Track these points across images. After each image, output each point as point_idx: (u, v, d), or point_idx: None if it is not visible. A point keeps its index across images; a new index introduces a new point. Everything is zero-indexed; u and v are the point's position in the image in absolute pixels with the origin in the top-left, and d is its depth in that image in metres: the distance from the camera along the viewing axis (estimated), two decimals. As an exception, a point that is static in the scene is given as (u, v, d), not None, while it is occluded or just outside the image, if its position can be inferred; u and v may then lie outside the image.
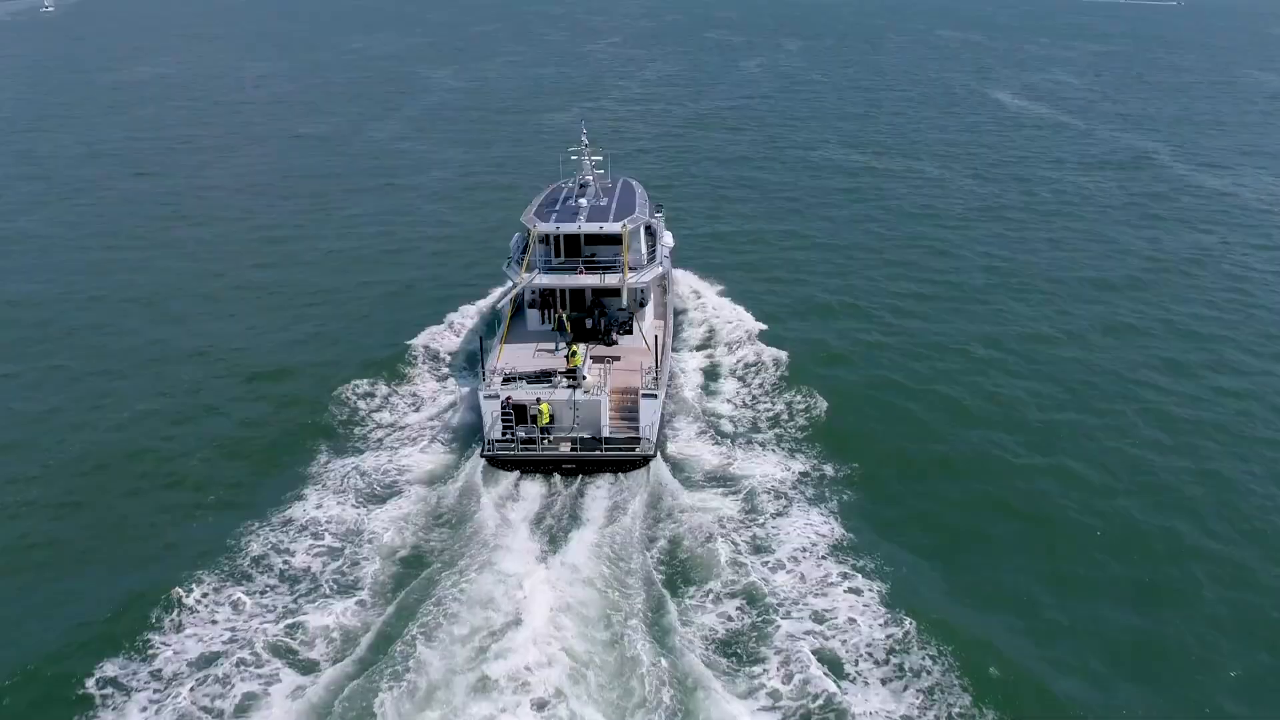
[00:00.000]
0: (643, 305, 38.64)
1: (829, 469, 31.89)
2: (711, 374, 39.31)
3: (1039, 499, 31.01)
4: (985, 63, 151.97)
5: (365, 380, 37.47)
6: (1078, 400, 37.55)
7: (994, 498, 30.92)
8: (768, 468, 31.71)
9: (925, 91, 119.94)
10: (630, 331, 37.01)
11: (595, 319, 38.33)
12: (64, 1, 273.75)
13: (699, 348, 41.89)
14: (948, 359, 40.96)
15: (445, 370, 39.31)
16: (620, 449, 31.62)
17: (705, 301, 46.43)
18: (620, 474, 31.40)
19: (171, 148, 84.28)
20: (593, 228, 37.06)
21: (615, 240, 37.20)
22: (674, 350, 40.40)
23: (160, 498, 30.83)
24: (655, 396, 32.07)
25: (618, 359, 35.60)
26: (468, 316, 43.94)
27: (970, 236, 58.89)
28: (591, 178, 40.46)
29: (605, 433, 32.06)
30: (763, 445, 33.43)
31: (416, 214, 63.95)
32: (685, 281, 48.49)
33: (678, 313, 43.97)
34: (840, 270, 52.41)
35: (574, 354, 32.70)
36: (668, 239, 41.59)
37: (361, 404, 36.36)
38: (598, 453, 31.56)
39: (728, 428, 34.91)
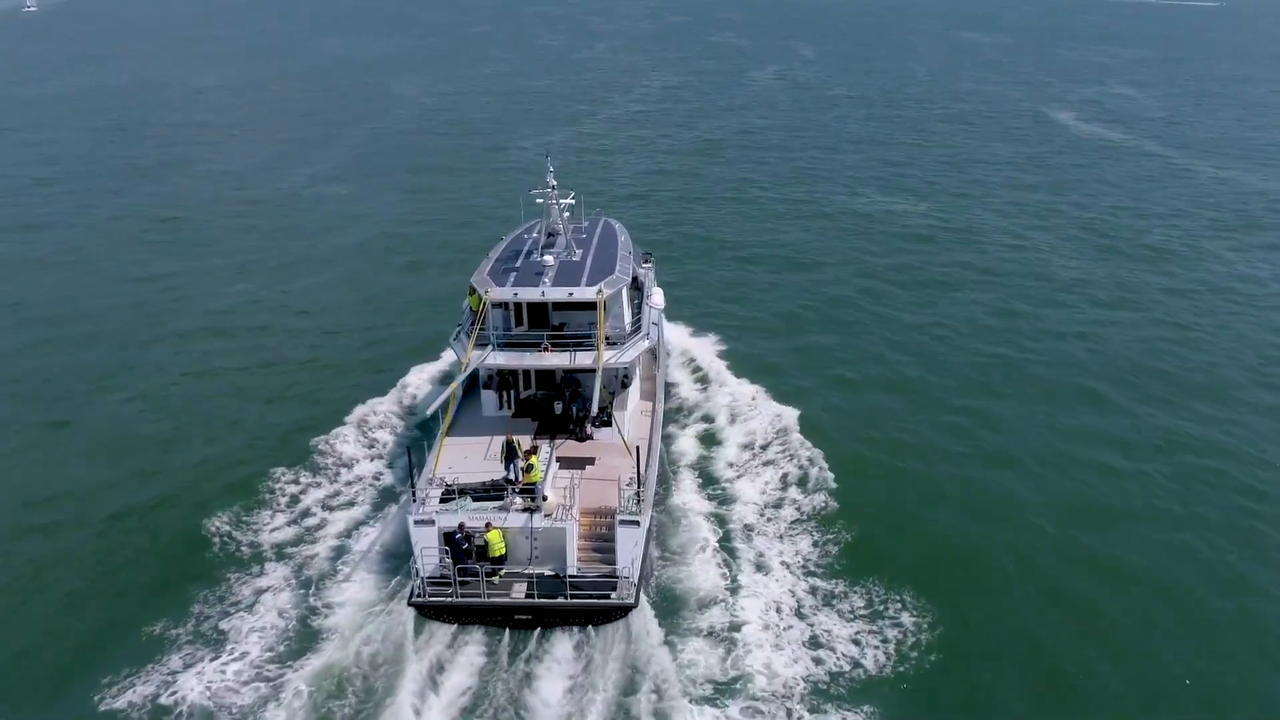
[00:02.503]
0: (625, 386, 32.22)
1: (865, 599, 26.00)
2: (709, 460, 33.09)
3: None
4: (1024, 71, 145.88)
5: (270, 481, 31.21)
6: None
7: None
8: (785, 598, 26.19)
9: (969, 109, 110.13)
10: (609, 422, 30.50)
11: (565, 402, 31.92)
12: (48, 1, 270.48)
13: (696, 418, 35.76)
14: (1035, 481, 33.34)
15: (380, 463, 32.77)
16: (591, 593, 25.14)
17: (701, 363, 40.27)
18: (591, 627, 24.86)
19: (25, 187, 74.91)
20: (560, 294, 30.75)
21: (590, 307, 30.77)
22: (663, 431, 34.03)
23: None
24: (638, 524, 25.55)
25: (591, 462, 29.17)
26: (413, 390, 37.65)
27: (1082, 318, 47.69)
28: (561, 226, 33.96)
29: (572, 570, 25.60)
30: (780, 568, 27.50)
31: (324, 282, 53.75)
32: (679, 343, 42.04)
33: (669, 387, 37.33)
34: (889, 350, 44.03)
35: (531, 467, 26.13)
36: (657, 298, 35.18)
37: (259, 514, 30.05)
38: (561, 599, 25.06)
39: (735, 532, 29.20)
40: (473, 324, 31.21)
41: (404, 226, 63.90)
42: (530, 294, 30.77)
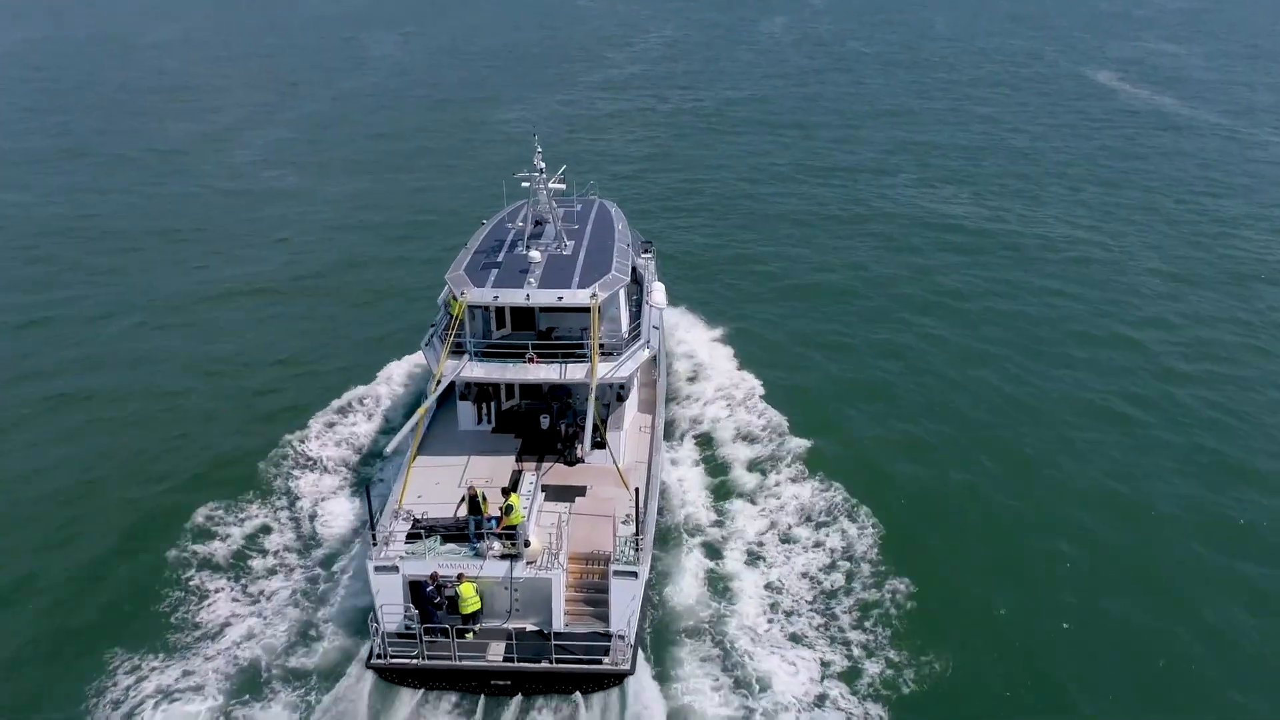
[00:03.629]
0: (622, 399, 28.77)
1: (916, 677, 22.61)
2: (717, 481, 29.83)
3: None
4: (1051, 23, 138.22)
5: (214, 511, 28.19)
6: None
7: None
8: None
9: (998, 71, 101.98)
10: (603, 443, 27.07)
11: (553, 416, 28.54)
12: None
13: (698, 439, 32.15)
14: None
15: (342, 493, 29.37)
16: (581, 656, 21.92)
17: (706, 363, 36.71)
18: (580, 695, 21.69)
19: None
20: (548, 297, 27.18)
21: (583, 311, 27.21)
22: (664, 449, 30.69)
23: None
24: (635, 575, 22.25)
25: (583, 492, 25.80)
26: (387, 396, 34.12)
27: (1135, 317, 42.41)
28: (550, 213, 30.21)
29: (558, 627, 22.36)
30: (810, 629, 24.08)
31: (277, 272, 48.38)
32: (680, 337, 38.49)
33: (670, 400, 33.74)
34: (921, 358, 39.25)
35: (511, 508, 22.73)
36: (658, 295, 31.59)
37: (202, 551, 26.92)
38: (545, 662, 21.85)
39: (752, 577, 25.75)
40: (448, 327, 27.62)
41: (368, 211, 57.32)
42: (513, 297, 27.18)
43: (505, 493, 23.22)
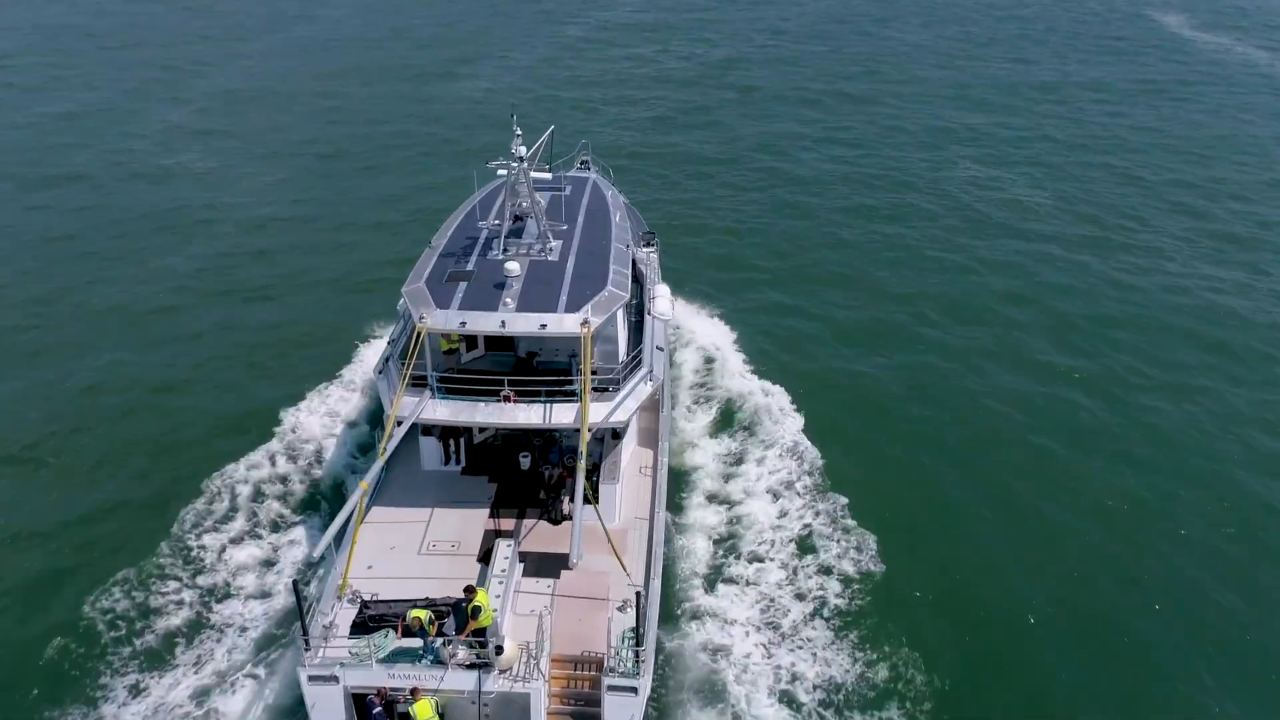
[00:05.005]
0: (618, 436, 24.28)
1: None
2: (731, 544, 25.30)
3: None
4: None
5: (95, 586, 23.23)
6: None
7: None
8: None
9: (1048, 9, 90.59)
10: (596, 496, 22.69)
11: (535, 457, 24.16)
12: None
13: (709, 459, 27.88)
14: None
15: (266, 556, 24.75)
16: None
17: (720, 379, 31.80)
18: None
19: None
20: (527, 324, 22.62)
21: (570, 339, 22.69)
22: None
23: None
24: (635, 691, 18.05)
25: (569, 567, 21.39)
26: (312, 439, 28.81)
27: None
28: (532, 207, 25.24)
29: None
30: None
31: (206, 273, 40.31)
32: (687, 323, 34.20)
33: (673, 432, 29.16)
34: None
35: (479, 609, 18.36)
36: (662, 303, 26.95)
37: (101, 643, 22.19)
38: None
39: (775, 670, 21.40)
40: (406, 352, 22.88)
41: (300, 202, 47.62)
42: (485, 322, 22.43)
43: (468, 591, 18.78)
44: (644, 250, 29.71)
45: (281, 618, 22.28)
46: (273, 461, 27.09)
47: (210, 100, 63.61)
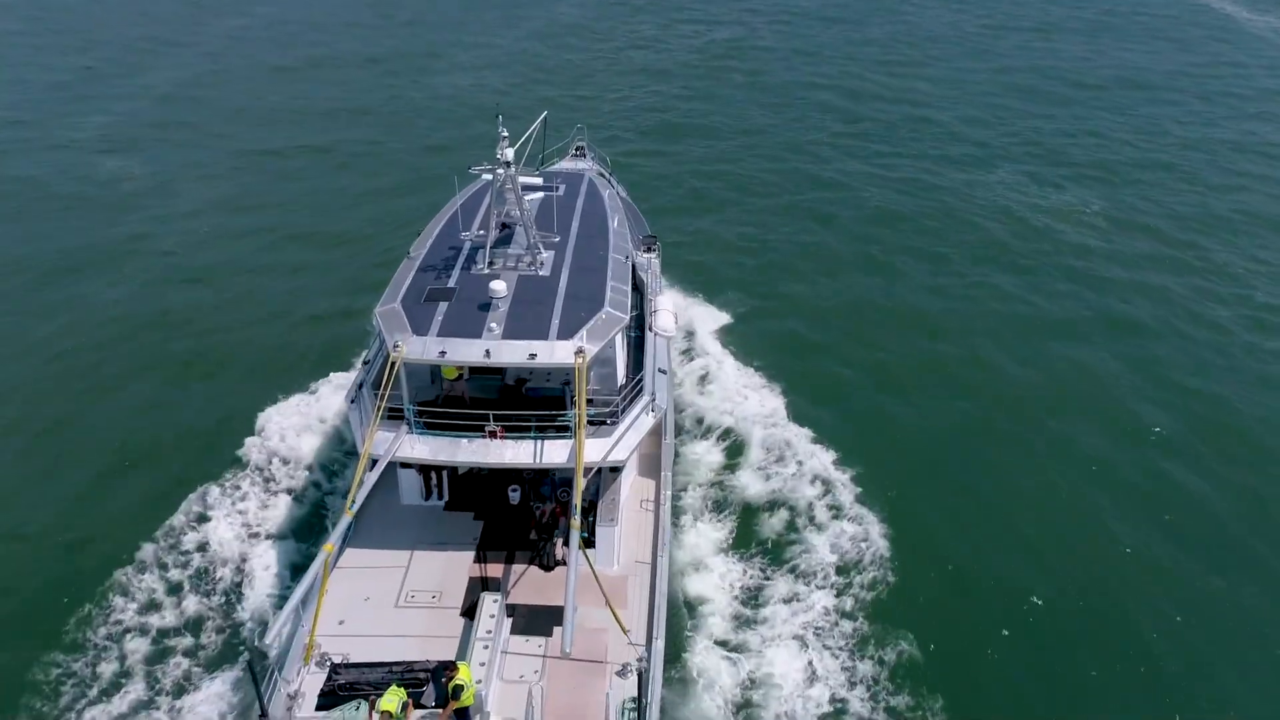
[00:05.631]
0: (616, 470, 22.14)
1: None
2: (752, 591, 23.10)
3: None
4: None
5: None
6: None
7: None
8: None
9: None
10: (591, 540, 20.68)
11: (525, 491, 22.16)
12: None
13: (716, 507, 25.44)
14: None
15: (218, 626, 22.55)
16: None
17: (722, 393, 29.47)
18: None
19: None
20: (515, 353, 20.44)
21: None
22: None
23: None
24: None
25: (558, 623, 19.34)
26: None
27: None
28: (520, 214, 22.95)
29: None
30: None
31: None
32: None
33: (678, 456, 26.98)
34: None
35: (460, 688, 16.32)
36: (664, 318, 24.76)
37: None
38: None
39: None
40: (380, 381, 20.70)
41: (252, 211, 43.01)
42: (467, 352, 20.19)
43: (449, 669, 16.71)
44: (644, 256, 27.44)
45: (241, 680, 20.29)
46: (237, 493, 25.02)
47: (143, 101, 57.05)
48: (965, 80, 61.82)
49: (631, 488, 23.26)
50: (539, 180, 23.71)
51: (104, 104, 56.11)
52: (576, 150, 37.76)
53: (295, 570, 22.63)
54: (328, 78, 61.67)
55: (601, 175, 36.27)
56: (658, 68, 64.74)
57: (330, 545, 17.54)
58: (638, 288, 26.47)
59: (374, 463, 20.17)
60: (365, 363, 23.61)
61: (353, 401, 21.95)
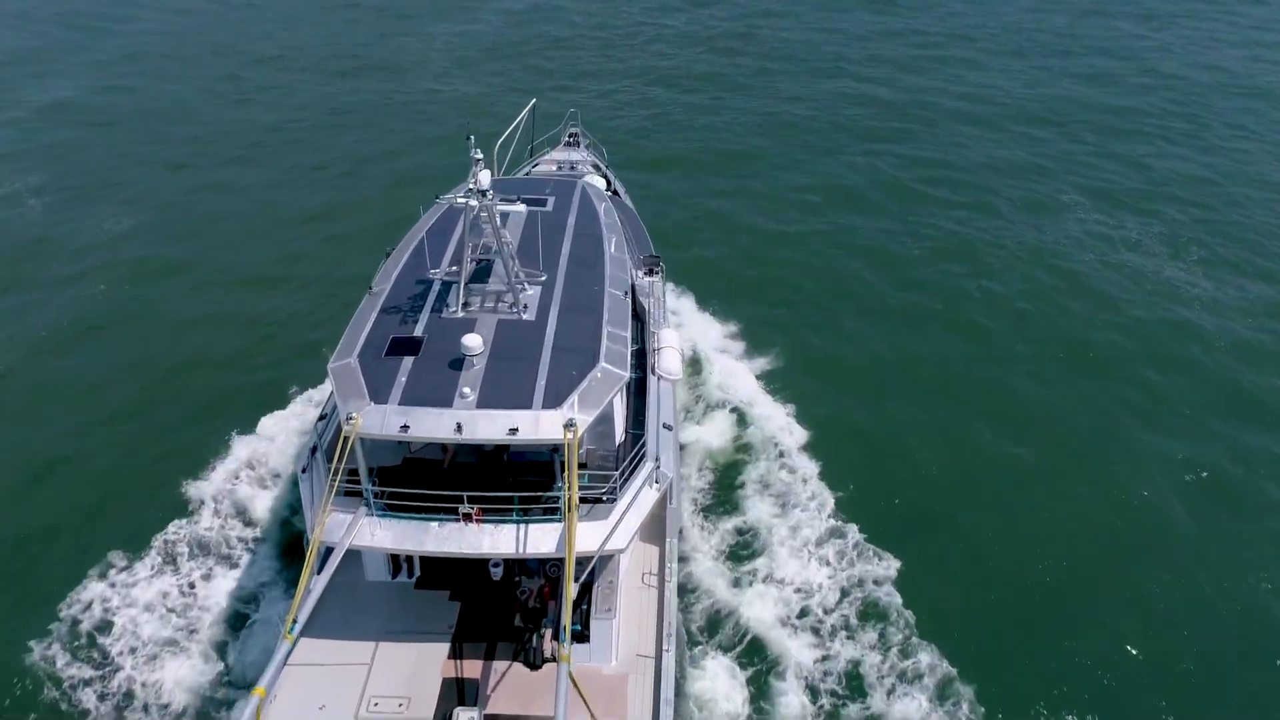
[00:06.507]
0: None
1: None
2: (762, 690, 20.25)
3: None
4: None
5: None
6: None
7: None
8: None
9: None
10: (585, 633, 17.87)
11: (507, 569, 19.38)
12: None
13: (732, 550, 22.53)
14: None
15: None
16: None
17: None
18: None
19: None
20: (492, 427, 17.28)
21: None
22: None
23: None
24: None
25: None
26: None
27: None
28: (499, 244, 19.68)
29: None
30: None
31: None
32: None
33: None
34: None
35: None
36: (670, 360, 21.58)
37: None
38: None
39: None
40: (334, 453, 17.64)
41: (182, 245, 36.99)
42: (434, 424, 17.06)
43: None
44: (646, 279, 24.18)
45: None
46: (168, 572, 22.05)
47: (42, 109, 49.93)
48: (1010, 72, 56.85)
49: (632, 558, 20.38)
50: (521, 208, 20.32)
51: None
52: (570, 138, 34.45)
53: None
54: (272, 71, 55.26)
55: (597, 167, 33.01)
56: (660, 48, 60.28)
57: (261, 689, 14.62)
58: (638, 315, 23.36)
59: (328, 553, 17.26)
60: (322, 417, 20.52)
61: (304, 470, 18.92)
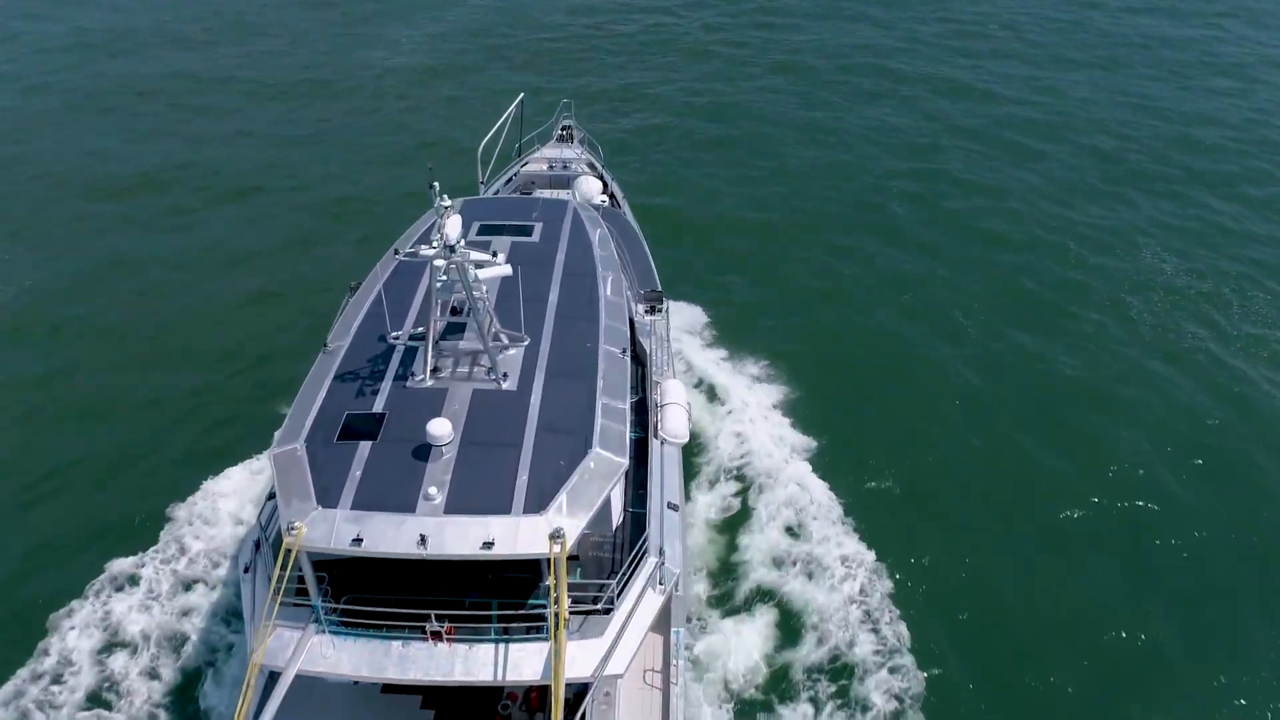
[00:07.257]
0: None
1: None
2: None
3: None
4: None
5: None
6: None
7: None
8: None
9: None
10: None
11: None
12: None
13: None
14: None
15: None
16: None
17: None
18: None
19: None
20: (461, 541, 14.54)
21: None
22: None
23: None
24: None
25: None
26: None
27: None
28: (477, 303, 16.72)
29: None
30: None
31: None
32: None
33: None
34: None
35: None
36: (675, 421, 18.81)
37: None
38: None
39: None
40: (279, 553, 14.93)
41: (87, 301, 31.56)
42: (394, 539, 14.29)
43: None
44: (648, 317, 21.23)
45: None
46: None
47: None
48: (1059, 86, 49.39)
49: (632, 658, 17.78)
50: (502, 264, 16.95)
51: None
52: (562, 132, 31.40)
53: None
54: (203, 84, 47.90)
55: (593, 166, 30.02)
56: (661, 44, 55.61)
57: None
58: (638, 358, 20.53)
59: (272, 678, 14.68)
60: (271, 496, 17.77)
61: (246, 570, 16.24)
